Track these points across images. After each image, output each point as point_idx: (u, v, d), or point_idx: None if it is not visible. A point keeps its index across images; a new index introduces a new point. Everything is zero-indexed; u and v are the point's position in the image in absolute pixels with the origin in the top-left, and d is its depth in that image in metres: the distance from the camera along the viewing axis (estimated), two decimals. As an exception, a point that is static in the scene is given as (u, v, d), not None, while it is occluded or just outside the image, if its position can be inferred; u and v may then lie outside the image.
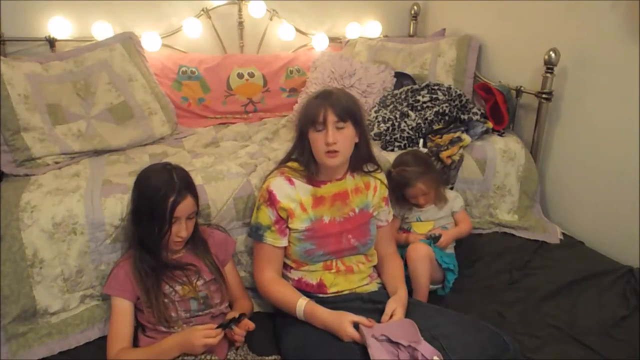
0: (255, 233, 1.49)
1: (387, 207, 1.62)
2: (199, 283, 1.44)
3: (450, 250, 1.84)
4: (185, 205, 1.38)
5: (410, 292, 1.68)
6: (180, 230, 1.39)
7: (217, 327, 1.31)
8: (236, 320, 1.34)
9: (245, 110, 2.56)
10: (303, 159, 1.48)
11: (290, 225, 1.47)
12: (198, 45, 2.63)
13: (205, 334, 1.27)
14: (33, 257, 1.50)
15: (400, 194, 1.83)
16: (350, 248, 1.51)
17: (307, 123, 1.43)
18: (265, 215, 1.47)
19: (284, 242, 1.48)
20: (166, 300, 1.39)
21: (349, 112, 1.41)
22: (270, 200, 1.46)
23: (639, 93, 1.79)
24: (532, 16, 2.22)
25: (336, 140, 1.39)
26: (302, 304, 1.37)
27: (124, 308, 1.39)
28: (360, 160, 1.53)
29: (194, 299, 1.42)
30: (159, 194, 1.36)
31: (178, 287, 1.42)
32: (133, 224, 1.45)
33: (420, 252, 1.65)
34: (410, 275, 1.65)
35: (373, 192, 1.56)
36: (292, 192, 1.47)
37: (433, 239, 1.75)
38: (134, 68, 2.21)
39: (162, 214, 1.35)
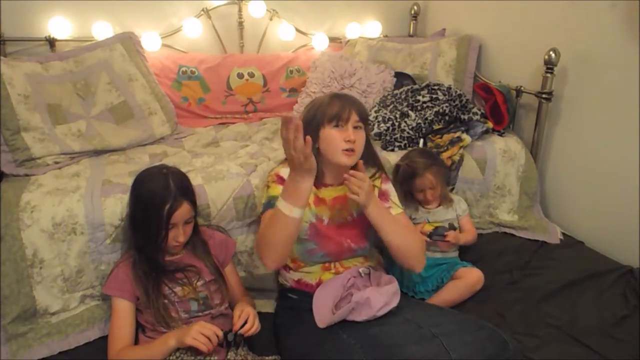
0: (268, 204, 1.42)
1: (385, 203, 1.56)
2: (199, 284, 1.44)
3: (455, 253, 1.84)
4: (182, 212, 1.37)
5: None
6: (178, 236, 1.39)
7: (222, 342, 1.29)
8: (234, 336, 1.33)
9: (245, 110, 2.56)
10: None
11: None
12: (198, 45, 2.63)
13: (202, 328, 1.25)
14: (33, 257, 1.50)
15: (407, 188, 1.83)
16: (349, 251, 1.51)
17: (323, 120, 1.41)
18: (278, 189, 1.41)
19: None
20: (166, 301, 1.39)
21: (365, 115, 1.46)
22: (281, 181, 1.44)
23: (639, 93, 1.79)
24: (532, 16, 2.22)
25: (356, 138, 1.40)
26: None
27: (124, 308, 1.39)
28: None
29: (194, 300, 1.42)
30: (155, 200, 1.35)
31: (177, 288, 1.41)
32: (130, 229, 1.45)
33: (472, 278, 1.69)
34: (447, 287, 1.68)
35: None
36: None
37: (439, 234, 1.76)
38: (134, 68, 2.22)
39: (159, 220, 1.34)
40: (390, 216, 1.48)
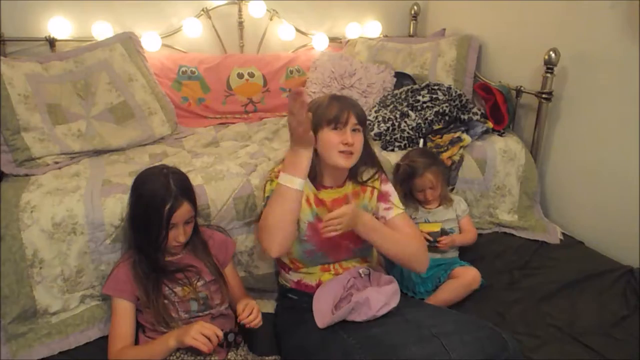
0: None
1: (384, 204, 1.56)
2: (199, 284, 1.44)
3: (454, 253, 1.84)
4: (182, 212, 1.37)
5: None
6: (178, 236, 1.39)
7: (222, 342, 1.29)
8: (235, 336, 1.33)
9: (245, 110, 2.56)
10: None
11: (299, 216, 1.45)
12: (198, 45, 2.63)
13: (202, 328, 1.25)
14: (33, 257, 1.50)
15: (407, 188, 1.84)
16: (347, 251, 1.51)
17: (321, 122, 1.42)
18: None
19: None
20: (166, 301, 1.39)
21: (364, 118, 1.47)
22: None
23: (639, 93, 1.79)
24: (532, 16, 2.22)
25: (354, 141, 1.41)
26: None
27: (124, 309, 1.39)
28: (359, 166, 1.53)
29: (194, 300, 1.42)
30: (155, 200, 1.35)
31: (178, 289, 1.41)
32: (131, 229, 1.45)
33: (467, 277, 1.69)
34: (443, 287, 1.69)
35: (370, 194, 1.56)
36: None
37: (435, 240, 1.76)
38: (134, 68, 2.21)
39: (159, 221, 1.34)
40: (381, 230, 1.44)
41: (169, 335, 1.29)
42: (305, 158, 1.30)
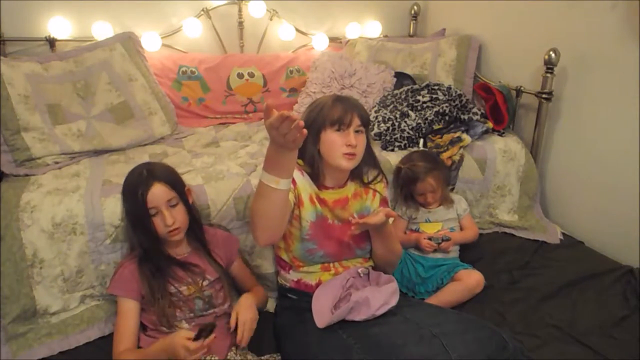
0: None
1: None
2: (204, 283, 1.45)
3: (455, 253, 1.84)
4: (156, 193, 1.37)
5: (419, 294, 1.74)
6: (166, 219, 1.37)
7: (195, 337, 1.22)
8: (212, 326, 1.26)
9: (245, 110, 2.56)
10: (307, 158, 1.48)
11: (302, 214, 1.46)
12: (198, 45, 2.63)
13: (185, 342, 1.20)
14: (33, 257, 1.50)
15: (408, 191, 1.84)
16: (349, 251, 1.51)
17: (325, 123, 1.42)
18: None
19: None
20: (172, 299, 1.39)
21: (367, 119, 1.47)
22: None
23: (638, 93, 1.79)
24: (532, 16, 2.22)
25: (357, 143, 1.41)
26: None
27: (129, 308, 1.39)
28: (362, 167, 1.54)
29: (199, 299, 1.43)
30: (132, 190, 1.39)
31: (183, 288, 1.42)
32: (129, 227, 1.48)
33: (472, 281, 1.68)
34: (446, 289, 1.69)
35: (372, 196, 1.57)
36: (304, 181, 1.48)
37: (440, 241, 1.76)
38: (134, 68, 2.21)
39: (138, 208, 1.37)
40: (393, 235, 1.52)
41: (159, 351, 1.26)
42: (291, 159, 1.18)
